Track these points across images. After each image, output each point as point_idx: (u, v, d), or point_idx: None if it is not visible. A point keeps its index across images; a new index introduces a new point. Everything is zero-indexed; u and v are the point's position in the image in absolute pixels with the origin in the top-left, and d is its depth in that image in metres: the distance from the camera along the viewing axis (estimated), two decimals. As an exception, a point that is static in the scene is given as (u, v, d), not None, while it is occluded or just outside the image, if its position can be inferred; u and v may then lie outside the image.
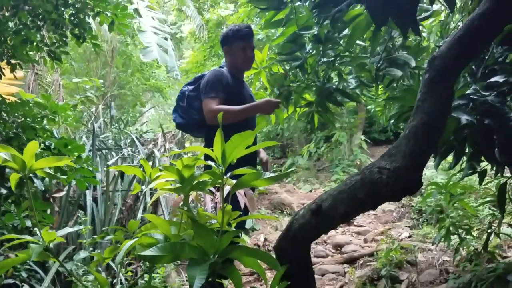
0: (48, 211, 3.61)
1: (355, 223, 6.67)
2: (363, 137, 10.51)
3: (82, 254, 1.45)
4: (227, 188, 1.39)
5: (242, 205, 1.65)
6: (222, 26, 11.77)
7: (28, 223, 2.52)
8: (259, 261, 1.31)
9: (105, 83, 11.72)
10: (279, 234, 2.36)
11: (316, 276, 5.01)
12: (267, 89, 3.31)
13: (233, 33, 3.00)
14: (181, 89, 3.14)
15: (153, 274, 3.38)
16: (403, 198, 7.16)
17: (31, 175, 1.52)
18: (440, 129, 1.88)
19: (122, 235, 1.48)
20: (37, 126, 2.36)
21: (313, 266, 5.31)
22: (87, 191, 4.33)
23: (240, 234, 1.43)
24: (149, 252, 1.17)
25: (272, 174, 1.31)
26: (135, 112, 12.27)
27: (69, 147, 2.24)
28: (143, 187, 1.63)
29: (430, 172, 6.30)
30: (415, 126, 1.86)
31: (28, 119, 2.33)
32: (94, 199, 4.35)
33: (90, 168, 2.26)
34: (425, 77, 1.96)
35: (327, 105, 3.15)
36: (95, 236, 1.80)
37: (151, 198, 4.56)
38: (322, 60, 3.06)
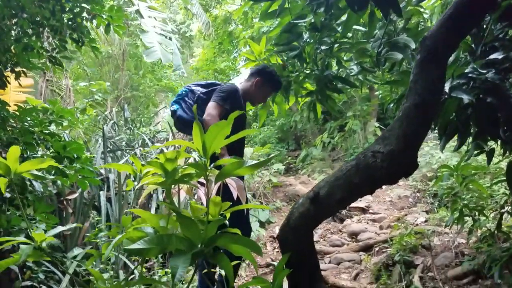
0: (60, 213, 3.70)
1: (370, 211, 6.63)
2: (377, 124, 10.38)
3: (76, 251, 1.50)
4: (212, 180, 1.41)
5: (235, 196, 1.68)
6: (229, 21, 11.76)
7: (42, 225, 2.61)
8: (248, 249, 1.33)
9: (118, 86, 11.90)
10: (281, 224, 2.38)
11: (332, 264, 5.02)
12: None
13: (273, 78, 3.10)
14: (188, 86, 3.19)
15: (166, 270, 3.44)
16: (419, 183, 7.07)
17: (30, 179, 1.57)
18: (433, 110, 1.86)
19: (118, 231, 1.52)
20: (36, 130, 2.43)
21: (329, 255, 5.36)
22: (101, 192, 4.42)
23: (226, 223, 1.45)
24: (136, 246, 1.21)
25: (253, 162, 1.32)
26: (149, 113, 12.42)
27: (68, 149, 2.30)
28: (135, 183, 1.67)
29: (445, 156, 6.19)
30: (407, 108, 1.84)
31: (26, 124, 2.39)
32: (108, 200, 4.44)
33: (91, 168, 2.32)
34: (417, 58, 1.94)
35: (327, 93, 3.13)
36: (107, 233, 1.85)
37: (162, 195, 4.63)
38: (320, 48, 3.04)
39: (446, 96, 2.37)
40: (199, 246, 1.26)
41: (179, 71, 5.96)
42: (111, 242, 1.51)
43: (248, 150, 8.58)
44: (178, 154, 1.29)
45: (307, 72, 3.14)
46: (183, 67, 6.21)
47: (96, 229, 2.55)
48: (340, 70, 3.34)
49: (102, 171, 4.81)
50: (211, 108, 2.79)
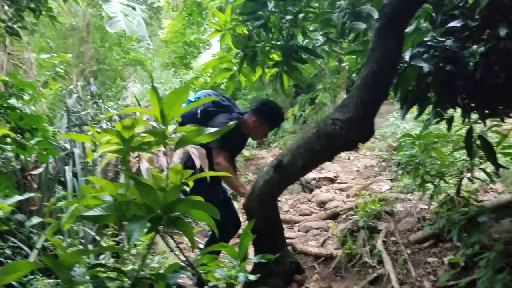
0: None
1: (338, 181, 6.81)
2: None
3: (34, 220, 1.49)
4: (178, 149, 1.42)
5: (197, 164, 1.69)
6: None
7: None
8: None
9: (83, 59, 11.51)
10: (247, 192, 2.42)
11: (300, 233, 5.17)
12: (230, 49, 3.28)
13: (269, 119, 3.12)
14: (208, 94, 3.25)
15: (136, 242, 3.46)
16: (385, 153, 7.28)
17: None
18: (390, 77, 1.91)
19: (77, 201, 1.51)
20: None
21: (298, 224, 5.51)
22: (66, 167, 4.34)
23: (185, 191, 1.47)
24: (92, 212, 1.21)
25: (213, 129, 1.34)
26: (117, 87, 12.12)
27: (25, 120, 2.23)
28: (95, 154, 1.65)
29: (410, 126, 6.37)
30: (365, 75, 1.88)
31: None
32: (75, 175, 4.37)
33: (52, 142, 2.26)
34: (375, 26, 1.97)
35: (293, 64, 3.14)
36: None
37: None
38: (285, 17, 3.03)
39: (406, 65, 2.43)
40: (158, 212, 1.27)
41: (145, 42, 5.83)
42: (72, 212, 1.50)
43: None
44: (135, 121, 1.28)
45: (273, 42, 3.13)
46: (149, 39, 6.06)
47: (55, 199, 2.53)
48: (306, 40, 3.33)
49: (68, 146, 4.71)
50: (215, 157, 2.92)
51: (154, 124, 1.32)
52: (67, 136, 1.55)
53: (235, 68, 3.28)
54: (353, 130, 1.84)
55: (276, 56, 3.36)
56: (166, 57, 13.43)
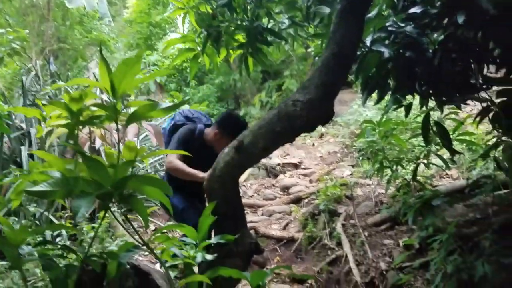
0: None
1: (302, 166, 6.91)
2: (313, 83, 10.58)
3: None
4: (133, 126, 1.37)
5: (154, 142, 1.65)
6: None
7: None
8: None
9: (44, 37, 10.99)
10: (207, 174, 2.39)
11: (264, 217, 5.22)
12: (196, 30, 3.21)
13: (231, 132, 2.92)
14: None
15: (94, 225, 3.37)
16: (347, 140, 7.42)
17: None
18: (350, 59, 1.92)
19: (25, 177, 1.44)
20: None
21: (262, 208, 5.55)
22: (22, 147, 4.16)
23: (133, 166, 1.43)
24: (38, 188, 1.16)
25: (167, 104, 1.30)
26: (78, 67, 11.68)
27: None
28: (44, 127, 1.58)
29: (372, 113, 6.51)
30: (326, 57, 1.89)
31: None
32: (31, 156, 4.20)
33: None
34: (337, 8, 1.97)
35: (258, 46, 3.11)
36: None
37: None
38: (250, -2, 2.99)
39: (367, 50, 2.45)
40: (108, 188, 1.23)
41: (106, 19, 5.61)
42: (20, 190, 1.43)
43: (184, 107, 8.47)
44: (84, 93, 1.22)
45: (238, 23, 3.08)
46: (110, 16, 5.85)
47: (1, 175, 2.42)
48: (272, 23, 3.31)
49: (23, 125, 4.52)
50: (168, 157, 2.91)
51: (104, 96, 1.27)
52: (14, 110, 1.47)
53: (198, 48, 3.21)
54: (314, 112, 1.85)
55: (241, 38, 3.31)
56: (130, 37, 13.04)
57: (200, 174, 2.82)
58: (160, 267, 1.84)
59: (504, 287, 2.80)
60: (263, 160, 7.15)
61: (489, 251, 2.91)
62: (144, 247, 1.50)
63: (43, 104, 1.26)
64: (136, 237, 1.50)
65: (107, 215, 3.79)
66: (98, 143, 2.08)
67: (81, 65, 11.99)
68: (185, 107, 3.41)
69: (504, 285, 2.79)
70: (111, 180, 1.22)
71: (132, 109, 1.27)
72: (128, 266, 1.50)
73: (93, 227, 3.27)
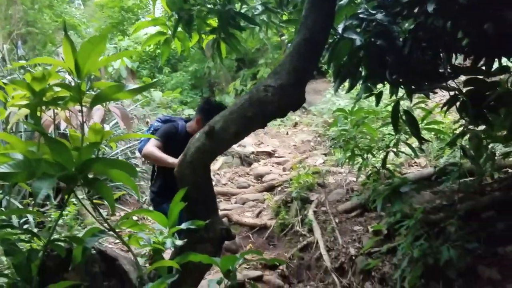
0: None
1: (276, 155, 6.94)
2: (287, 72, 10.59)
3: None
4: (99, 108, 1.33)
5: (122, 125, 1.61)
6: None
7: None
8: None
9: (11, 21, 10.57)
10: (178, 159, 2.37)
11: (237, 205, 5.22)
12: (168, 14, 3.14)
13: (215, 114, 2.91)
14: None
15: (63, 212, 3.29)
16: (320, 129, 7.50)
17: None
18: (321, 45, 1.92)
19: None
20: None
21: (236, 196, 5.56)
22: (-14, 134, 4.00)
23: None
24: (-1, 169, 1.11)
25: (135, 86, 1.27)
26: (47, 52, 11.30)
27: None
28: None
29: (345, 102, 6.58)
30: (298, 43, 1.88)
31: None
32: (-5, 142, 4.05)
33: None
34: (309, -7, 1.96)
35: (230, 31, 3.07)
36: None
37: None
38: (223, -19, 2.94)
39: (339, 37, 2.46)
40: (72, 171, 1.20)
41: (76, 2, 5.44)
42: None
43: (157, 94, 8.33)
44: (47, 73, 1.18)
45: (210, 6, 3.03)
46: (80, 0, 5.67)
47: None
48: (245, 8, 3.27)
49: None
50: (147, 144, 2.94)
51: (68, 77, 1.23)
52: (-27, 90, 1.40)
53: (170, 32, 3.15)
54: (285, 97, 1.85)
55: (213, 22, 3.27)
56: (101, 22, 12.68)
57: (170, 159, 2.80)
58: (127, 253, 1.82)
59: (468, 271, 2.91)
60: (237, 149, 7.15)
61: (454, 236, 3.01)
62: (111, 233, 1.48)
63: (4, 84, 1.21)
64: (103, 222, 1.47)
65: (75, 202, 3.73)
66: (62, 126, 2.01)
67: (50, 49, 11.61)
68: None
69: (468, 269, 2.90)
70: (75, 162, 1.19)
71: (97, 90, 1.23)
72: (94, 251, 1.47)
73: (62, 215, 3.19)
